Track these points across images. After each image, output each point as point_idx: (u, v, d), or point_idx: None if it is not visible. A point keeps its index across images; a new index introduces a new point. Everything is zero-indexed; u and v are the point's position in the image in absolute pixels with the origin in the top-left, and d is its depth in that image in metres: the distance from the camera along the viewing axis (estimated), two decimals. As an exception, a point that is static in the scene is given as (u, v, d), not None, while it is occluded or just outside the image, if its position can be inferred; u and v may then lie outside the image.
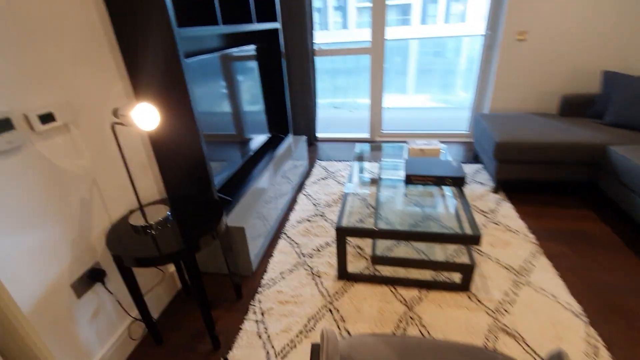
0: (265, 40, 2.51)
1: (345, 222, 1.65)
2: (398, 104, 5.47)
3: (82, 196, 1.20)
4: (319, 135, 3.81)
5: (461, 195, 1.83)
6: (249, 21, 2.07)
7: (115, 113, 1.12)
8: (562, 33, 2.74)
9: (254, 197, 1.92)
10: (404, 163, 2.14)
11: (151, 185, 1.55)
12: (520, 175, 2.33)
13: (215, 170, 1.78)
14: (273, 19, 2.43)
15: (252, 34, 2.48)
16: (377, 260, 1.74)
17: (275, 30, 2.48)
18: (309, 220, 2.25)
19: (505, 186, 2.55)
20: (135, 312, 1.45)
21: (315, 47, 3.35)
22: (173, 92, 1.38)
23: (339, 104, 5.59)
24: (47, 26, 1.06)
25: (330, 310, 1.54)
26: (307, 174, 2.92)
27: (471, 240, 1.47)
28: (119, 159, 1.36)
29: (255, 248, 1.83)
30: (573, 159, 2.18)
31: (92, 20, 1.21)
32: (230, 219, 1.71)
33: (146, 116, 1.07)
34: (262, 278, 1.76)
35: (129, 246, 1.17)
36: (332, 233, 2.11)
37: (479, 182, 2.62)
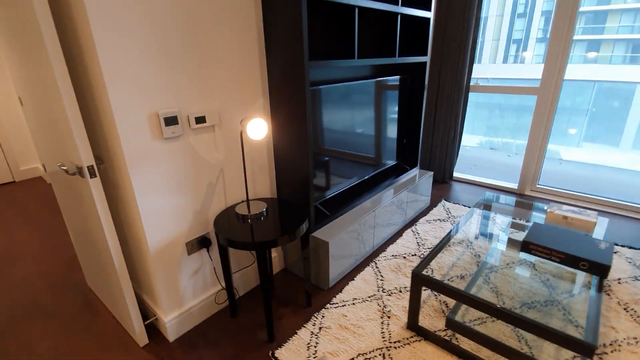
0: (411, 72, 2.55)
1: (439, 273, 1.51)
2: (597, 160, 4.34)
3: (211, 181, 1.57)
4: (457, 174, 3.52)
5: (599, 289, 1.37)
6: (393, 55, 2.17)
7: (241, 123, 1.42)
8: None
9: (354, 217, 2.00)
10: (529, 226, 1.76)
11: (267, 184, 1.85)
12: None
13: (331, 183, 1.95)
14: (422, 52, 2.45)
15: (397, 65, 2.57)
16: (452, 325, 1.51)
17: (423, 64, 2.48)
18: (404, 257, 2.14)
19: None
20: (225, 283, 1.77)
21: (473, 82, 3.13)
22: (295, 112, 1.62)
23: (498, 144, 4.96)
24: (222, 57, 1.45)
25: (384, 356, 1.44)
26: (425, 211, 2.76)
27: (582, 349, 1.10)
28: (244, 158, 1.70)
29: (338, 266, 1.89)
30: None
31: (252, 53, 1.58)
32: (321, 232, 1.84)
33: (257, 128, 1.32)
34: (335, 296, 1.80)
35: (227, 228, 1.45)
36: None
37: (661, 284, 1.86)
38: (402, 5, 2.38)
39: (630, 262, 2.07)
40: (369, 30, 2.20)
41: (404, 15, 2.38)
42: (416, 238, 2.38)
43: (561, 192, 2.94)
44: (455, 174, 3.52)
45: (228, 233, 1.41)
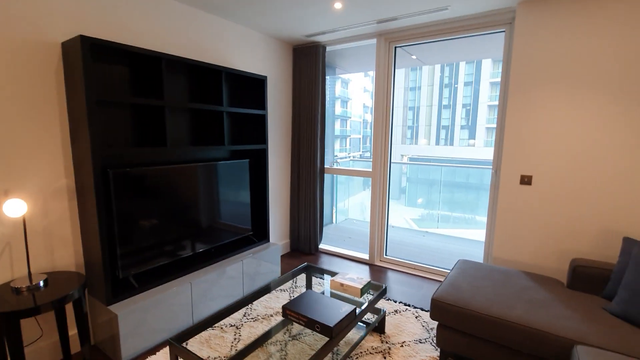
0: (254, 157, 2.95)
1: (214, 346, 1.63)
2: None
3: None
4: (328, 247, 3.79)
5: (326, 347, 1.57)
6: (222, 144, 2.55)
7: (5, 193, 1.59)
8: (575, 181, 2.26)
9: (166, 290, 2.10)
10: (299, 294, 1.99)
11: (71, 256, 1.95)
12: (464, 351, 1.80)
13: (151, 255, 2.09)
14: (261, 141, 2.88)
15: (241, 151, 2.96)
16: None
17: (263, 150, 2.90)
18: (222, 329, 2.22)
19: (465, 360, 1.98)
20: None
21: (328, 165, 3.62)
22: (92, 194, 1.83)
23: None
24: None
25: None
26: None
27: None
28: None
29: (140, 340, 1.93)
30: (529, 350, 1.60)
31: (55, 139, 1.83)
32: (121, 304, 1.91)
33: (10, 208, 1.51)
34: (121, 372, 1.81)
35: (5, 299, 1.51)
36: (238, 347, 2.02)
37: (429, 343, 2.10)
38: (230, 106, 2.86)
39: (424, 326, 2.32)
40: (205, 123, 2.60)
41: (236, 113, 2.85)
42: (246, 309, 2.49)
43: (402, 262, 3.29)
44: (329, 247, 3.79)
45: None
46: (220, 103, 2.51)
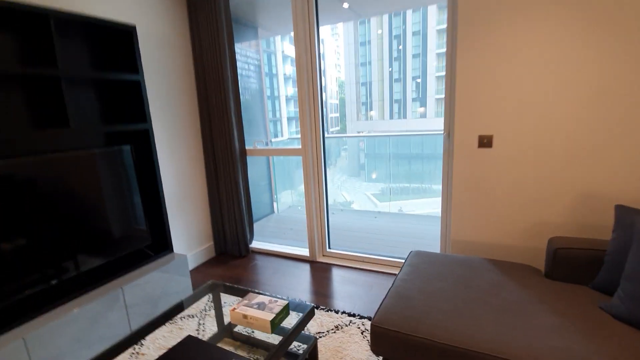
0: (134, 141, 2.16)
1: None
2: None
3: None
4: (257, 245, 3.13)
5: None
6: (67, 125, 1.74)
7: None
8: (545, 137, 1.76)
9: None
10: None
11: None
12: (423, 391, 1.25)
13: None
14: (140, 119, 2.09)
15: (127, 133, 2.16)
16: None
17: (145, 132, 2.12)
18: (80, 399, 1.51)
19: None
20: None
21: (250, 146, 2.91)
22: None
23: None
24: None
25: None
26: (180, 305, 2.22)
27: None
28: None
29: None
30: (513, 390, 1.07)
31: None
32: None
33: None
34: None
35: None
36: None
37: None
38: (76, 69, 2.03)
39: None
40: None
41: (92, 80, 2.03)
42: (132, 350, 1.78)
43: (348, 255, 2.72)
44: (263, 245, 3.12)
45: None
46: (53, 64, 1.68)
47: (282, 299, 1.50)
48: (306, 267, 2.70)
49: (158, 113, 2.44)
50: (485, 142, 1.89)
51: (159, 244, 2.27)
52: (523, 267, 1.61)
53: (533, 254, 1.91)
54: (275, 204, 4.35)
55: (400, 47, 26.26)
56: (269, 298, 1.49)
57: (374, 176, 10.15)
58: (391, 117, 28.37)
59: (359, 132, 28.30)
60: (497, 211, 1.94)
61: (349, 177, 11.43)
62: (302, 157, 2.60)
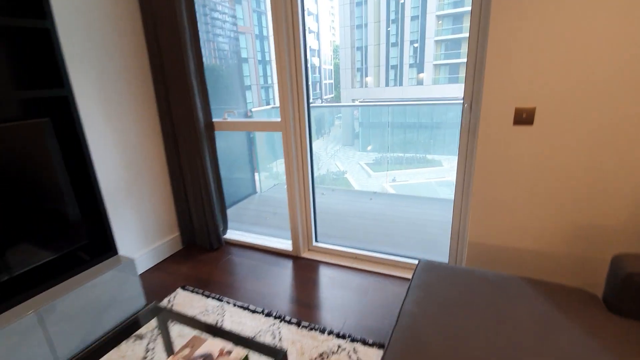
0: (50, 114, 1.60)
1: None
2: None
3: None
4: (233, 235, 2.67)
5: None
6: None
7: None
8: (604, 115, 1.27)
9: None
10: None
11: None
12: None
13: None
14: (55, 83, 1.53)
15: (47, 102, 1.60)
16: None
17: (63, 98, 1.56)
18: None
19: None
20: None
21: (220, 119, 2.36)
22: None
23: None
24: None
25: None
26: (130, 325, 1.78)
27: None
28: None
29: None
30: None
31: None
32: None
33: None
34: None
35: None
36: None
37: None
38: None
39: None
40: None
41: None
42: (52, 398, 1.35)
43: (337, 251, 2.29)
44: (240, 235, 2.66)
45: None
46: None
47: (242, 339, 1.06)
48: (288, 265, 2.26)
49: (88, 75, 1.86)
50: (524, 117, 1.39)
51: (97, 243, 1.79)
52: (576, 294, 1.18)
53: (578, 267, 1.48)
54: (257, 182, 3.86)
55: (403, 1, 24.63)
56: (222, 345, 1.04)
57: (369, 148, 9.85)
58: (387, 84, 27.28)
59: (353, 100, 27.33)
60: (533, 208, 1.49)
61: (342, 146, 11.18)
62: (282, 132, 2.08)
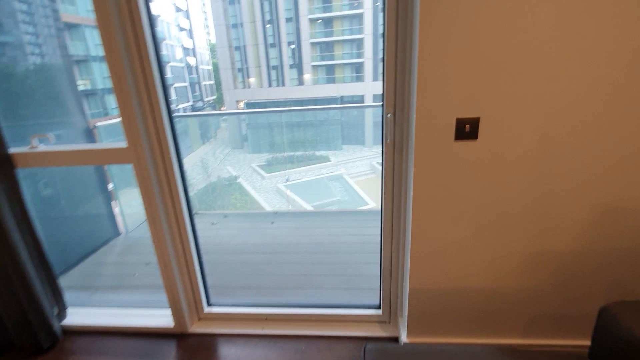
0: None
1: None
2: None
3: None
4: (75, 321, 1.79)
5: None
6: None
7: None
8: (563, 117, 1.06)
9: None
10: None
11: None
12: None
13: None
14: None
15: None
16: None
17: None
18: None
19: None
20: None
21: (27, 149, 1.48)
22: None
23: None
24: None
25: None
26: None
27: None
28: None
29: None
30: None
31: None
32: None
33: None
34: None
35: None
36: None
37: None
38: None
39: None
40: None
41: None
42: None
43: (244, 315, 1.70)
44: (85, 316, 1.79)
45: None
46: None
47: None
48: (170, 352, 1.56)
49: None
50: (467, 130, 1.08)
51: None
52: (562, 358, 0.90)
53: (532, 299, 1.26)
54: (121, 220, 2.89)
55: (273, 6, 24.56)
56: None
57: (259, 148, 9.62)
58: (270, 84, 26.96)
59: (237, 102, 26.16)
60: (480, 242, 1.21)
61: (232, 149, 10.64)
62: (134, 164, 1.37)
